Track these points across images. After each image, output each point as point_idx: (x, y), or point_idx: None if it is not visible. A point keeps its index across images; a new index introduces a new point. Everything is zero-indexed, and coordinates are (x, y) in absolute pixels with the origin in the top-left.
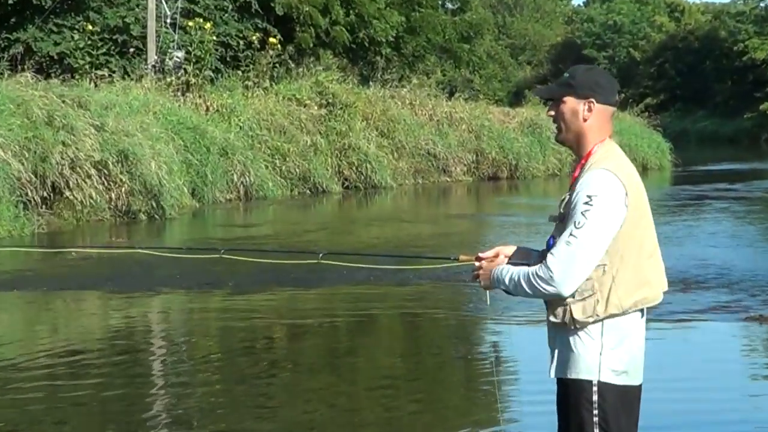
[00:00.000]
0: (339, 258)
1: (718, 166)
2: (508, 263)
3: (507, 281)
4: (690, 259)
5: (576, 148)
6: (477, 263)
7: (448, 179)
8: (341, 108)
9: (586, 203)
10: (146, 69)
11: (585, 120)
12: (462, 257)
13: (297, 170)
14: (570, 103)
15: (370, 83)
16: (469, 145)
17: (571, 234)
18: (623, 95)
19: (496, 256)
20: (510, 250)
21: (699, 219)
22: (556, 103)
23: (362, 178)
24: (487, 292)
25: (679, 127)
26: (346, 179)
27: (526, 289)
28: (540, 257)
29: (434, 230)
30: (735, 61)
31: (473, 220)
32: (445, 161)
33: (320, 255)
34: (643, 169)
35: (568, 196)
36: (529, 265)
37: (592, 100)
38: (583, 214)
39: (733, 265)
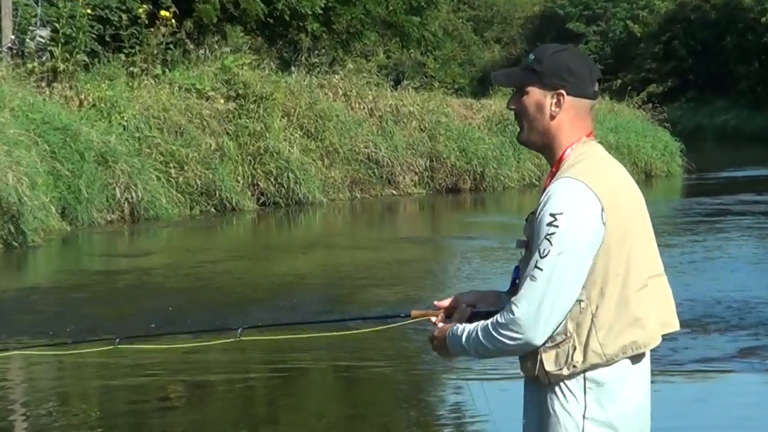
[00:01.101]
0: (263, 331)
1: (743, 171)
2: (473, 314)
3: (464, 342)
4: (707, 293)
5: (545, 153)
6: (434, 319)
7: (395, 192)
8: (255, 101)
9: (550, 224)
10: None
11: (552, 117)
12: (414, 313)
13: (198, 182)
14: (534, 94)
15: (293, 68)
16: (422, 147)
17: (536, 266)
18: (620, 81)
19: (455, 306)
20: (471, 297)
21: (718, 240)
22: (517, 95)
23: (283, 191)
24: (471, 387)
25: (693, 122)
26: (262, 193)
27: (488, 346)
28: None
29: (377, 259)
30: (763, 37)
31: (427, 245)
32: (390, 169)
33: (239, 331)
34: (647, 177)
35: (533, 215)
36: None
37: (562, 91)
38: (547, 239)
39: (761, 301)
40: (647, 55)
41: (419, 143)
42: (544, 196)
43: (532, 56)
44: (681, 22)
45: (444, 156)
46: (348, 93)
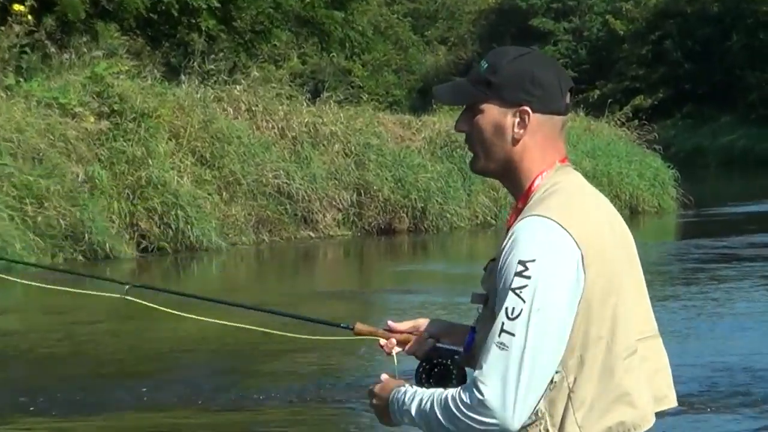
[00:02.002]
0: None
1: (752, 206)
2: (433, 348)
3: (414, 413)
4: (709, 360)
5: (507, 183)
6: (382, 342)
7: (313, 234)
8: (134, 119)
9: (520, 274)
10: None
11: (516, 140)
12: (359, 327)
13: (62, 223)
14: (490, 113)
15: (183, 77)
16: (347, 177)
17: (503, 330)
18: (598, 92)
19: (412, 333)
20: (437, 326)
21: (722, 293)
22: (469, 113)
23: (170, 233)
24: None
25: (690, 143)
26: (143, 236)
27: (448, 427)
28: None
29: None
30: None
31: (353, 301)
32: (306, 205)
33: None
34: (632, 214)
35: (493, 262)
36: (459, 358)
37: (526, 107)
38: (516, 295)
39: None
40: (632, 58)
41: (343, 172)
42: (507, 238)
43: (485, 63)
44: (675, 17)
45: (375, 188)
46: (253, 108)
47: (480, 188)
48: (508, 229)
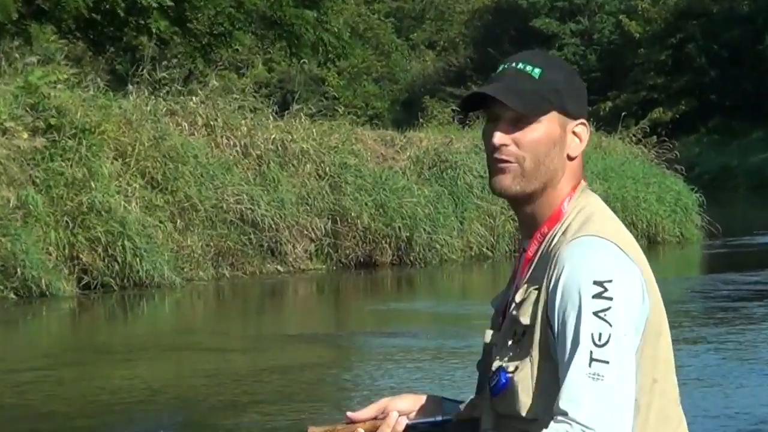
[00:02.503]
0: None
1: None
2: (410, 428)
3: None
4: (737, 412)
5: (532, 207)
6: None
7: (281, 268)
8: (74, 135)
9: (600, 296)
10: None
11: (571, 157)
12: (313, 430)
13: None
14: (552, 125)
15: (130, 87)
16: (320, 202)
17: (593, 359)
18: (610, 103)
19: (380, 416)
20: (405, 402)
21: (754, 335)
22: (511, 124)
23: (116, 268)
24: None
25: (717, 163)
26: (85, 271)
27: None
28: (463, 409)
29: (254, 366)
30: None
31: (328, 345)
32: (273, 234)
33: None
34: (651, 244)
35: (523, 291)
36: (442, 427)
37: (584, 121)
38: (601, 318)
39: None
40: (650, 65)
41: (316, 196)
42: (561, 262)
43: (536, 68)
44: (699, 17)
45: (353, 215)
46: (211, 123)
47: (474, 215)
48: (526, 262)
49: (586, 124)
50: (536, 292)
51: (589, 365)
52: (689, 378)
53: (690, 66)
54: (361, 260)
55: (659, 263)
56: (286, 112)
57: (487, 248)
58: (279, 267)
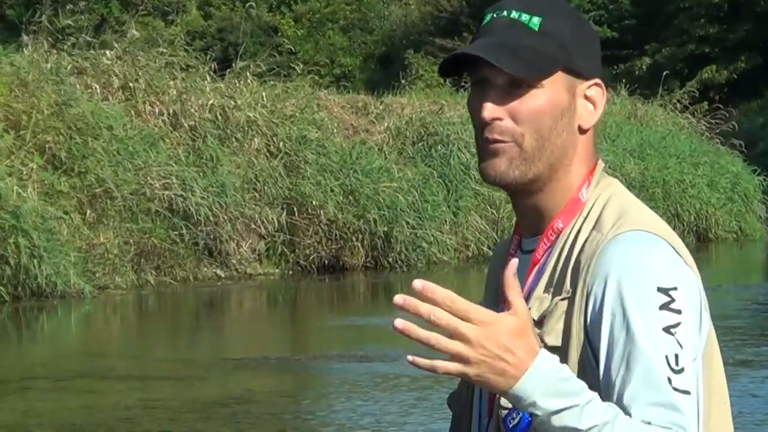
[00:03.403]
0: None
1: None
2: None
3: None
4: None
5: (539, 195)
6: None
7: (222, 273)
8: None
9: (668, 308)
10: None
11: (584, 129)
12: None
13: None
14: (557, 89)
15: (25, 38)
16: (272, 188)
17: (674, 388)
18: (648, 60)
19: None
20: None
21: None
22: (506, 92)
23: (8, 273)
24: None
25: None
26: None
27: None
28: None
29: (188, 398)
30: None
31: (284, 372)
32: (212, 229)
33: None
34: (699, 241)
35: (543, 304)
36: None
37: (598, 81)
38: (671, 334)
39: None
40: (700, 10)
41: (267, 180)
42: (605, 262)
43: (533, 17)
44: None
45: (314, 204)
46: (131, 84)
47: (472, 204)
48: (533, 264)
49: (602, 85)
50: (565, 303)
51: (666, 394)
52: (743, 410)
53: (752, 11)
54: (326, 262)
55: (711, 266)
56: (228, 70)
57: (489, 247)
58: (219, 271)
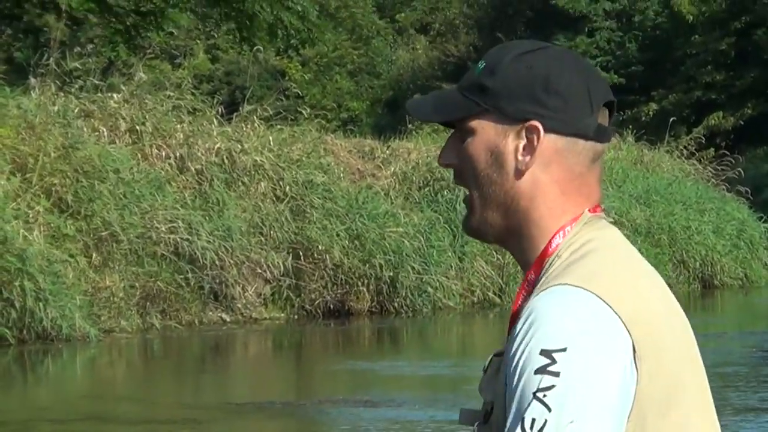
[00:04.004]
0: None
1: None
2: None
3: None
4: None
5: (513, 245)
6: None
7: (227, 317)
8: None
9: (545, 371)
10: None
11: (520, 171)
12: None
13: None
14: (486, 133)
15: (32, 81)
16: (278, 232)
17: None
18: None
19: None
20: None
21: None
22: (457, 137)
23: (13, 315)
24: None
25: None
26: None
27: None
28: None
29: None
30: None
31: (289, 417)
32: (218, 273)
33: None
34: (704, 288)
35: (499, 358)
36: None
37: (536, 122)
38: (538, 400)
39: None
40: (707, 56)
41: (273, 224)
42: (522, 320)
43: (482, 63)
44: None
45: (320, 248)
46: (138, 128)
47: (477, 250)
48: (514, 314)
49: (538, 128)
50: (499, 360)
51: None
52: None
53: (759, 58)
54: (331, 307)
55: (716, 313)
56: (235, 114)
57: (495, 293)
58: (224, 315)
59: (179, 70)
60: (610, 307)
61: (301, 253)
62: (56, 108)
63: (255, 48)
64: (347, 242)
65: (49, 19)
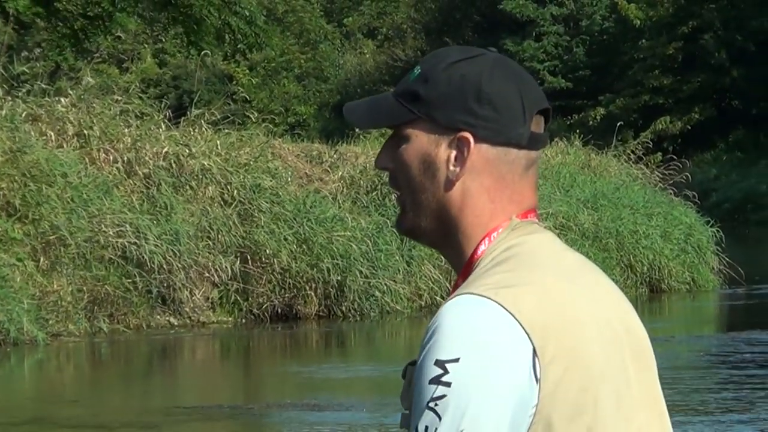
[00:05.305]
0: None
1: None
2: None
3: None
4: None
5: (447, 252)
6: None
7: (175, 321)
8: None
9: (438, 381)
10: None
11: (451, 182)
12: None
13: None
14: (418, 141)
15: None
16: (225, 236)
17: None
18: (602, 111)
19: None
20: None
21: None
22: (393, 143)
23: None
24: None
25: (739, 188)
26: None
27: None
28: None
29: None
30: None
31: (236, 420)
32: (165, 277)
33: None
34: (652, 292)
35: (413, 367)
36: None
37: (466, 134)
38: (431, 409)
39: None
40: (654, 61)
41: (221, 228)
42: (427, 330)
43: (417, 69)
44: (716, 0)
45: (268, 253)
46: (85, 132)
47: (425, 254)
48: None
49: (468, 139)
50: (413, 369)
51: None
52: None
53: (706, 63)
54: (279, 311)
55: (664, 318)
56: (183, 118)
57: (442, 296)
58: (172, 319)
59: (127, 74)
60: (512, 314)
61: (248, 257)
62: (3, 112)
63: (203, 52)
64: (295, 246)
65: None
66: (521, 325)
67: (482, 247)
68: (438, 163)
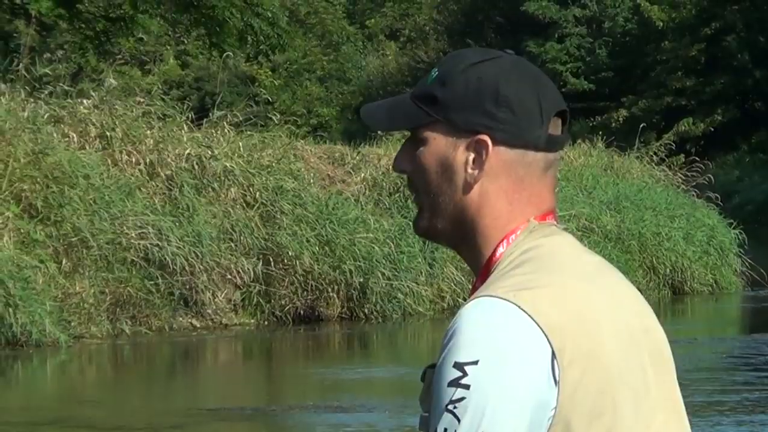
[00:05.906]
0: None
1: None
2: None
3: None
4: None
5: (465, 254)
6: None
7: (197, 323)
8: None
9: (456, 383)
10: None
11: (469, 185)
12: None
13: None
14: (436, 144)
15: (2, 86)
16: (248, 238)
17: None
18: (625, 112)
19: None
20: None
21: None
22: (411, 145)
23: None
24: None
25: (762, 190)
26: None
27: None
28: None
29: None
30: None
31: (258, 421)
32: (188, 279)
33: None
34: (675, 294)
35: (432, 369)
36: None
37: (484, 137)
38: (450, 412)
39: None
40: (677, 63)
41: (243, 230)
42: (446, 333)
43: (435, 72)
44: (740, 1)
45: (290, 254)
46: (108, 134)
47: (448, 256)
48: None
49: (486, 142)
50: (432, 372)
51: None
52: None
53: (728, 64)
54: (301, 313)
55: (686, 320)
56: (205, 120)
57: (464, 298)
58: (194, 321)
59: (149, 76)
60: (531, 317)
61: (271, 259)
62: (26, 114)
63: (225, 54)
64: (317, 248)
65: (18, 25)
66: (540, 328)
67: (500, 250)
68: (456, 166)
